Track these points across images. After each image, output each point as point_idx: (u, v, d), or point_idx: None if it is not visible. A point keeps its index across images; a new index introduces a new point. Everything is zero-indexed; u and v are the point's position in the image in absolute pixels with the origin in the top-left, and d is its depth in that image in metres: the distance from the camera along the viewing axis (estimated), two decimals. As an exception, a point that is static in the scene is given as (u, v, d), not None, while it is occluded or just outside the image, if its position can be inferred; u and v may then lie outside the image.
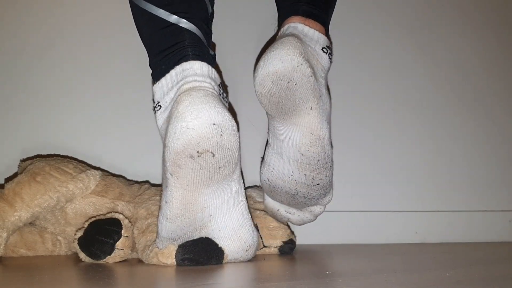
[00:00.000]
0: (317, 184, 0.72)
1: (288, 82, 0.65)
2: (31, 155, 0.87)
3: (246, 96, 0.94)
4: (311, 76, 0.66)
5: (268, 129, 0.75)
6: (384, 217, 0.98)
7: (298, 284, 0.52)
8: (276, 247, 0.78)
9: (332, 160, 0.74)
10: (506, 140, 1.04)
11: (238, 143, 0.63)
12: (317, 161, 0.70)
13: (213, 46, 0.74)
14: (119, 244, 0.69)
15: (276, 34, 0.74)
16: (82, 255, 0.70)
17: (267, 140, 0.75)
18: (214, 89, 0.64)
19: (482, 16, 1.06)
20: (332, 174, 0.75)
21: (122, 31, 0.92)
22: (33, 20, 0.91)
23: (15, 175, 0.80)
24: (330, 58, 0.72)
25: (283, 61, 0.65)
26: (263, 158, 0.76)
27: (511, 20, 1.07)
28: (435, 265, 0.68)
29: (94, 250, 0.68)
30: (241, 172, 0.69)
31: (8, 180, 0.81)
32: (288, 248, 0.78)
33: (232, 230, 0.67)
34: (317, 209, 0.79)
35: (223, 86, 0.69)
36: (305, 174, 0.71)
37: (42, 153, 0.88)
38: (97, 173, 0.79)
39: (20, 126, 0.90)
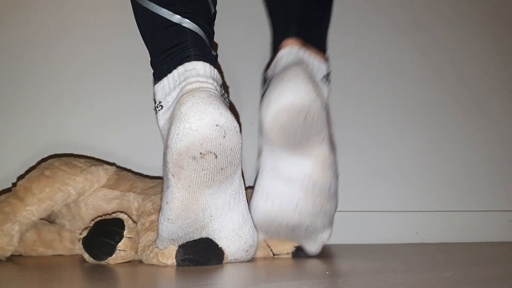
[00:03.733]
0: (324, 213, 0.71)
1: (306, 116, 0.64)
2: (46, 154, 0.88)
3: (246, 96, 0.94)
4: (324, 107, 0.66)
5: (262, 161, 0.71)
6: (384, 217, 0.98)
7: (298, 284, 0.52)
8: (287, 253, 0.74)
9: (337, 189, 0.73)
10: (505, 140, 1.04)
11: (241, 144, 0.62)
12: (329, 189, 0.70)
13: (215, 46, 0.74)
14: (120, 245, 0.68)
15: (272, 56, 0.72)
16: (86, 256, 0.69)
17: (258, 174, 0.72)
18: (216, 89, 0.63)
19: (481, 17, 1.06)
20: (336, 204, 0.73)
21: (128, 28, 0.91)
22: (36, 20, 0.91)
23: (27, 173, 0.81)
24: (329, 86, 0.72)
25: (300, 93, 0.63)
26: (252, 194, 0.72)
27: (510, 20, 1.07)
28: (435, 265, 0.68)
29: (95, 250, 0.68)
30: (242, 172, 0.69)
31: (20, 178, 0.82)
32: (303, 254, 0.74)
33: (232, 231, 0.66)
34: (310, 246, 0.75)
35: (224, 87, 0.68)
36: (313, 204, 0.70)
37: (58, 152, 0.89)
38: (110, 167, 0.80)
39: (35, 126, 0.90)
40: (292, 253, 0.75)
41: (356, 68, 1.01)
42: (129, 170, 0.87)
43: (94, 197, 0.77)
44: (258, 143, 0.73)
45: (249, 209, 0.70)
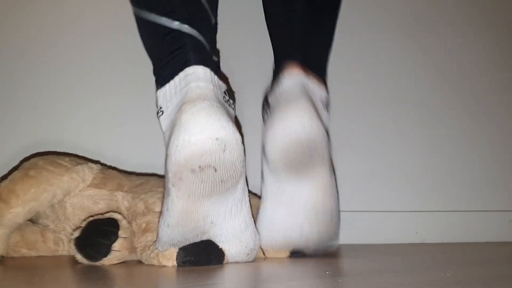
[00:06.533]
0: (326, 238, 0.72)
1: (310, 149, 0.67)
2: (29, 153, 0.86)
3: (248, 97, 0.94)
4: (327, 136, 0.69)
5: (265, 188, 0.72)
6: (384, 217, 0.98)
7: (298, 285, 0.52)
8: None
9: (339, 213, 0.74)
10: (506, 140, 1.04)
11: (243, 157, 0.62)
12: (331, 215, 0.71)
13: (217, 53, 0.74)
14: (115, 245, 0.66)
15: (274, 78, 0.73)
16: (78, 257, 0.68)
17: (262, 201, 0.72)
18: (218, 96, 0.63)
19: (482, 16, 1.06)
20: (339, 227, 0.75)
21: (122, 29, 0.92)
22: (34, 18, 0.91)
23: (10, 173, 0.80)
24: (329, 113, 0.74)
25: (306, 128, 0.65)
26: (256, 221, 0.73)
27: (511, 20, 1.07)
28: (435, 265, 0.68)
29: (89, 251, 0.67)
30: (246, 177, 0.68)
31: (3, 178, 0.81)
32: (298, 255, 0.75)
33: (233, 236, 0.66)
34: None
35: (229, 93, 0.68)
36: (318, 231, 0.71)
37: (41, 151, 0.87)
38: (95, 166, 0.78)
39: (17, 124, 0.89)
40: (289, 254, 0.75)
41: (357, 67, 1.01)
42: (114, 168, 0.86)
43: (80, 197, 0.75)
44: (260, 167, 0.74)
45: (255, 233, 0.70)
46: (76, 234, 0.68)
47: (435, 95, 1.03)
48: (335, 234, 0.74)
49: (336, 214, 0.72)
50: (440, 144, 1.02)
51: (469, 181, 1.02)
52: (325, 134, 0.68)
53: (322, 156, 0.68)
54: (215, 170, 0.60)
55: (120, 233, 0.67)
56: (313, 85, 0.71)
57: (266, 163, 0.71)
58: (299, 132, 0.66)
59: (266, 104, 0.75)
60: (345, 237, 0.95)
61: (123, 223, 0.69)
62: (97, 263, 0.67)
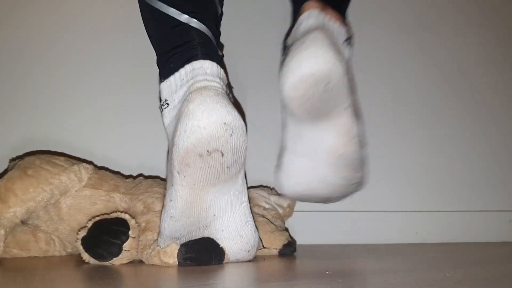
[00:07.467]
0: (353, 183, 0.71)
1: (326, 85, 0.63)
2: (20, 152, 0.86)
3: (250, 96, 0.94)
4: (345, 73, 0.64)
5: (286, 135, 0.71)
6: (384, 217, 0.98)
7: (298, 284, 0.52)
8: (276, 248, 0.77)
9: (366, 156, 0.71)
10: (506, 140, 1.04)
11: (246, 143, 0.63)
12: (353, 160, 0.69)
13: (221, 47, 0.74)
14: (126, 245, 0.66)
15: (293, 22, 0.70)
16: (85, 256, 0.67)
17: (281, 150, 0.71)
18: (223, 89, 0.64)
19: (482, 16, 1.06)
20: (367, 170, 0.72)
21: (121, 29, 0.92)
22: (34, 18, 0.91)
23: (4, 172, 0.79)
24: (351, 50, 0.70)
25: (319, 62, 0.62)
26: (279, 167, 0.71)
27: (511, 20, 1.07)
28: (435, 265, 0.68)
29: (100, 251, 0.66)
30: (245, 172, 0.69)
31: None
32: (289, 251, 0.77)
33: (234, 231, 0.67)
34: None
35: (229, 87, 0.69)
36: (342, 176, 0.69)
37: (32, 150, 0.87)
38: (89, 166, 0.78)
39: (17, 124, 0.89)
40: (280, 249, 0.76)
41: (357, 67, 1.00)
42: (106, 169, 0.85)
43: (77, 198, 0.74)
44: (281, 117, 0.72)
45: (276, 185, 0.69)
46: (83, 233, 0.67)
47: (435, 95, 1.03)
48: (361, 179, 0.71)
49: (361, 159, 0.69)
50: (440, 144, 1.02)
51: (469, 181, 1.02)
52: (344, 66, 0.63)
53: (341, 97, 0.65)
54: (222, 154, 0.61)
55: (130, 232, 0.67)
56: (332, 23, 0.67)
57: (284, 107, 0.68)
58: (311, 67, 0.61)
59: (284, 47, 0.73)
60: (345, 237, 0.95)
61: (131, 223, 0.69)
62: (107, 263, 0.67)
